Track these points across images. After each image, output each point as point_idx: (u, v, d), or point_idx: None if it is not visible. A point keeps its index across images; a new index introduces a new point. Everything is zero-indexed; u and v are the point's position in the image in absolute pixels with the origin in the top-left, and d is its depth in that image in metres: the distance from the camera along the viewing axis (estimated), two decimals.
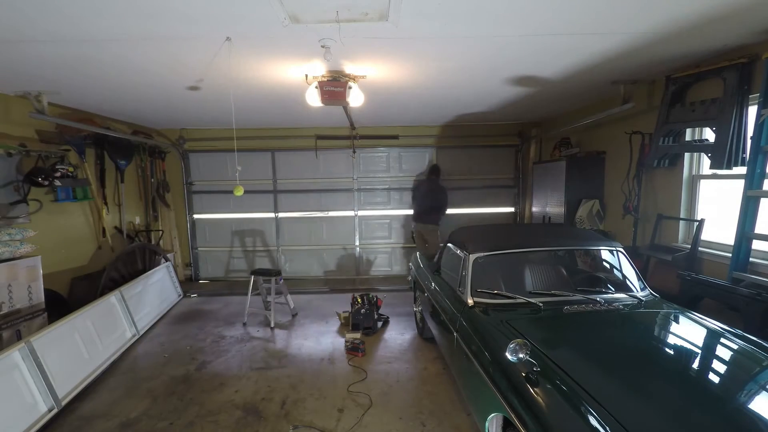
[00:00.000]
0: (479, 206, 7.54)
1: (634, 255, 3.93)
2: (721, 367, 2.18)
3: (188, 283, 7.18)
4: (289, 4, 2.25)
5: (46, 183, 4.16)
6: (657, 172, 4.21)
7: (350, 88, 3.53)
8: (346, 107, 4.86)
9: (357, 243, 7.49)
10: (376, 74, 3.66)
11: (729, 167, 3.25)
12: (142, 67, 3.35)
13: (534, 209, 6.27)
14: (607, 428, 1.60)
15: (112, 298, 4.51)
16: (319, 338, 4.69)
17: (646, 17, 2.53)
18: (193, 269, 7.39)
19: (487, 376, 2.26)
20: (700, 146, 3.62)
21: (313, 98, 3.56)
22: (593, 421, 1.65)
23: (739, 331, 2.38)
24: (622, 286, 3.07)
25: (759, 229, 3.05)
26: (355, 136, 7.05)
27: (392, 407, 3.27)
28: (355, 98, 3.63)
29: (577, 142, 5.63)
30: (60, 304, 4.35)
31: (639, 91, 4.07)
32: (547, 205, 5.77)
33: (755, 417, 1.73)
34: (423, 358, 4.13)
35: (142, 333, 4.79)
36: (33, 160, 4.20)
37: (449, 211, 6.68)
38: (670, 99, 3.76)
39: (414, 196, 6.89)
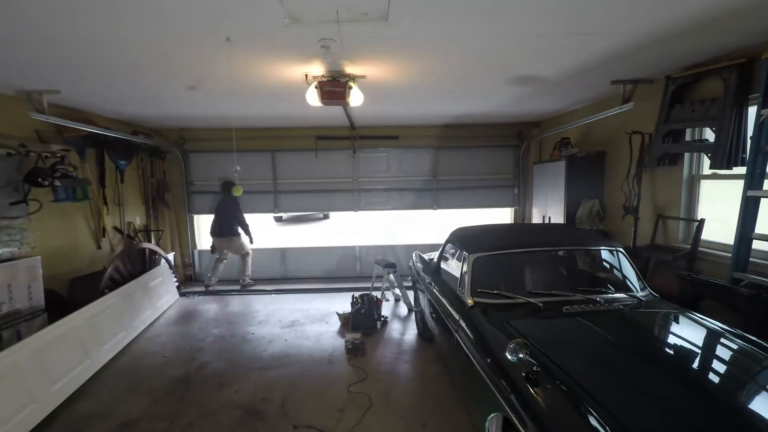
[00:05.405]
0: (479, 206, 7.54)
1: (634, 255, 3.92)
2: (721, 367, 2.19)
3: (188, 282, 7.18)
4: (289, 4, 2.25)
5: (46, 183, 4.15)
6: (657, 172, 4.21)
7: (350, 88, 3.53)
8: (346, 107, 4.86)
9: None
10: (376, 74, 3.66)
11: (729, 167, 3.25)
12: (141, 67, 3.34)
13: (534, 209, 6.27)
14: (607, 428, 1.60)
15: (112, 299, 4.52)
16: (319, 338, 4.69)
17: (646, 17, 2.53)
18: (193, 269, 7.40)
19: (487, 376, 2.26)
20: (700, 146, 3.62)
21: (313, 98, 3.56)
22: (593, 421, 1.65)
23: (739, 331, 2.38)
24: (622, 286, 3.07)
25: (759, 229, 3.05)
26: (355, 136, 7.05)
27: (392, 407, 3.27)
28: (355, 98, 3.63)
29: (577, 142, 5.63)
30: (60, 304, 4.34)
31: (639, 91, 4.06)
32: (547, 205, 5.76)
33: (755, 417, 1.73)
34: (423, 358, 4.13)
35: (142, 333, 4.79)
36: (33, 160, 4.20)
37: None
38: (670, 99, 3.76)
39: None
